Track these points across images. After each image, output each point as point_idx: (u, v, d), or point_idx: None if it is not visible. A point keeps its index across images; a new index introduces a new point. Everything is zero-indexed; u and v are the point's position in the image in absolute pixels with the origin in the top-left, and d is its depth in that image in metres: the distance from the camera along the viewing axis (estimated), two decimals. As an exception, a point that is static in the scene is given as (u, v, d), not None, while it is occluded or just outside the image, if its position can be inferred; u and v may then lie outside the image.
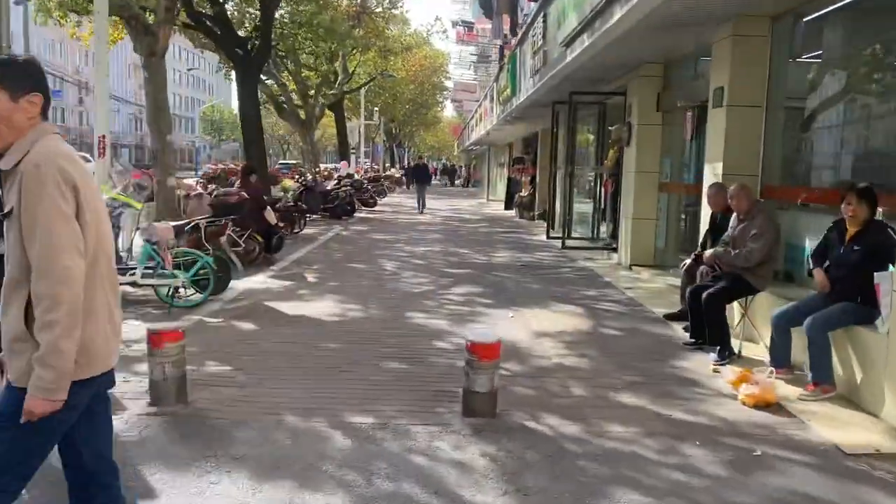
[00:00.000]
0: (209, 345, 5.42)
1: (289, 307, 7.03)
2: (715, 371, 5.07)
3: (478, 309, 7.14)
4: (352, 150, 32.87)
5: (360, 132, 33.84)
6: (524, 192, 20.17)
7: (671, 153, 9.57)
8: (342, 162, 24.46)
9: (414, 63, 45.52)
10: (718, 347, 5.34)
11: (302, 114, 21.88)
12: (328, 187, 20.22)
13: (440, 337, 5.95)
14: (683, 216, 9.44)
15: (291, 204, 14.31)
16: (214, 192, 10.69)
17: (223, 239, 8.03)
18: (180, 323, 5.34)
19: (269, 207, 10.02)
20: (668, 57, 9.28)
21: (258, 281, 8.61)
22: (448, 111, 73.46)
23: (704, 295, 5.41)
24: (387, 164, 50.02)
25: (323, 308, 6.99)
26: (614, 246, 11.21)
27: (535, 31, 12.51)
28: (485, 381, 3.94)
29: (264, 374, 4.74)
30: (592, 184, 13.40)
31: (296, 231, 14.26)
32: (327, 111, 31.10)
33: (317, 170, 20.97)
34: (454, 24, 47.84)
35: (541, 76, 12.18)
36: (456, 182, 53.92)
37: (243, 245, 9.73)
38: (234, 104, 71.72)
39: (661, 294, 8.08)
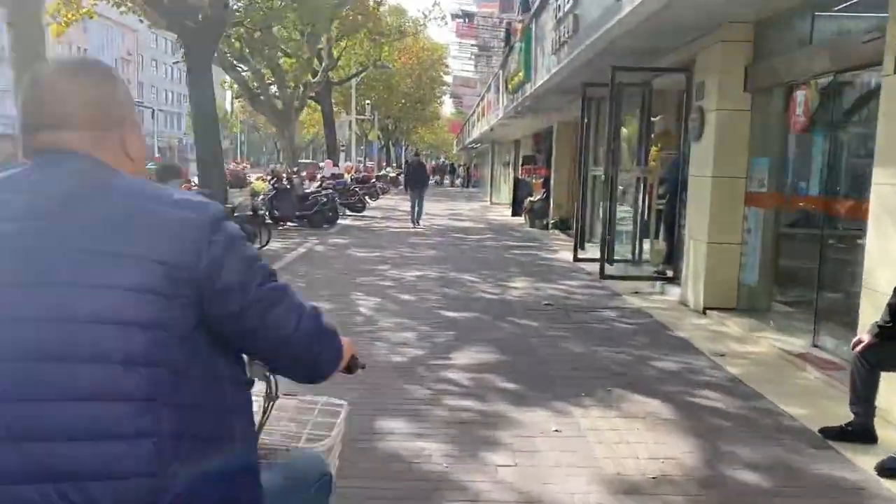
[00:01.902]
0: None
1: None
2: None
3: (495, 408, 4.28)
4: (341, 147, 29.99)
5: (350, 127, 30.96)
6: (535, 197, 17.31)
7: (766, 151, 6.72)
8: (326, 160, 21.58)
9: (411, 55, 42.71)
10: None
11: (279, 104, 19.00)
12: (308, 189, 17.37)
13: None
14: (791, 242, 6.61)
15: (251, 213, 11.43)
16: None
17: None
18: None
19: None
20: (762, 13, 6.45)
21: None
22: (447, 107, 70.71)
23: None
24: (382, 163, 47.14)
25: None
26: (669, 274, 8.37)
27: (560, -8, 9.66)
28: None
29: None
30: (632, 190, 10.50)
31: (256, 246, 11.38)
32: (313, 104, 28.26)
33: (294, 169, 18.11)
34: (454, 16, 45.14)
35: (569, 49, 9.33)
36: (456, 181, 50.93)
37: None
38: (225, 99, 69.02)
39: (779, 370, 5.22)
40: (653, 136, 9.82)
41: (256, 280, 1.29)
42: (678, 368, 5.22)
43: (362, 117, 35.36)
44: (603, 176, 9.08)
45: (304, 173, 17.98)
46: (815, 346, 5.53)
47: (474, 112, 31.23)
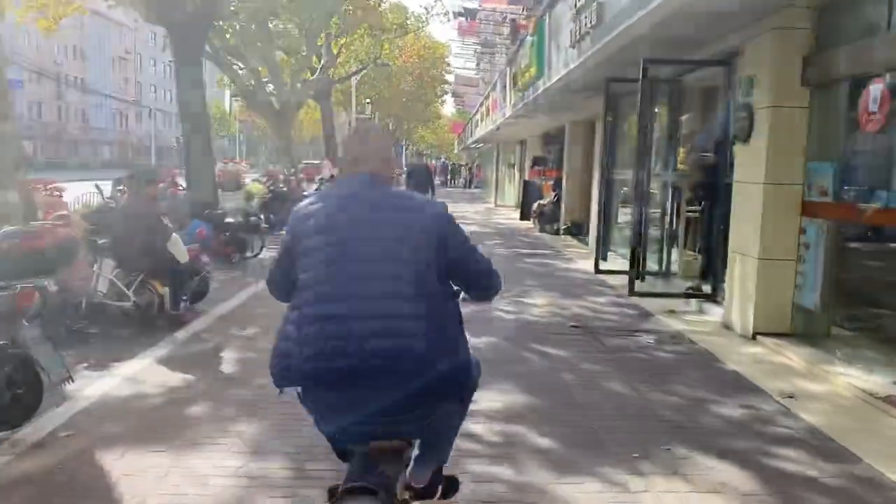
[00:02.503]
0: None
1: (154, 466, 3.34)
2: None
3: (531, 479, 3.43)
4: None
5: (350, 127, 30.16)
6: (545, 200, 16.45)
7: (828, 154, 5.87)
8: (326, 160, 20.69)
9: (412, 53, 41.89)
10: None
11: (275, 103, 18.12)
12: (306, 192, 16.51)
13: None
14: (857, 258, 5.77)
15: (242, 220, 10.57)
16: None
17: (25, 321, 4.20)
18: None
19: (174, 237, 6.28)
20: (824, -4, 5.61)
21: (132, 372, 4.92)
22: (448, 107, 69.88)
23: None
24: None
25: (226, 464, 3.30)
26: (706, 291, 7.52)
27: (581, -21, 8.80)
28: None
29: None
30: (658, 195, 9.68)
31: (248, 255, 10.57)
32: (313, 103, 27.43)
33: (292, 170, 17.25)
34: (456, 14, 44.28)
35: (591, 41, 8.47)
36: (458, 181, 49.99)
37: (133, 299, 6.06)
38: (223, 98, 68.04)
39: (865, 417, 4.37)
40: (681, 136, 9.01)
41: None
42: (744, 416, 4.36)
43: (362, 116, 34.49)
44: (632, 179, 8.21)
45: (301, 175, 17.09)
46: (900, 384, 4.69)
47: (477, 111, 30.34)
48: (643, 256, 7.63)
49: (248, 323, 6.56)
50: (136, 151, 72.07)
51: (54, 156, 59.54)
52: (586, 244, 13.14)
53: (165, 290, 6.18)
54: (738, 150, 6.60)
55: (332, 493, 2.13)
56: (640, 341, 6.17)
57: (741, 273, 6.39)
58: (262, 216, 14.59)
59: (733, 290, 6.54)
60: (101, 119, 72.60)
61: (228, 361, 5.39)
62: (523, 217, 17.74)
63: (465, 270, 2.29)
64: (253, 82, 17.86)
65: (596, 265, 8.98)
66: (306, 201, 2.30)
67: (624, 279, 8.02)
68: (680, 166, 8.84)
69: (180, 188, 11.89)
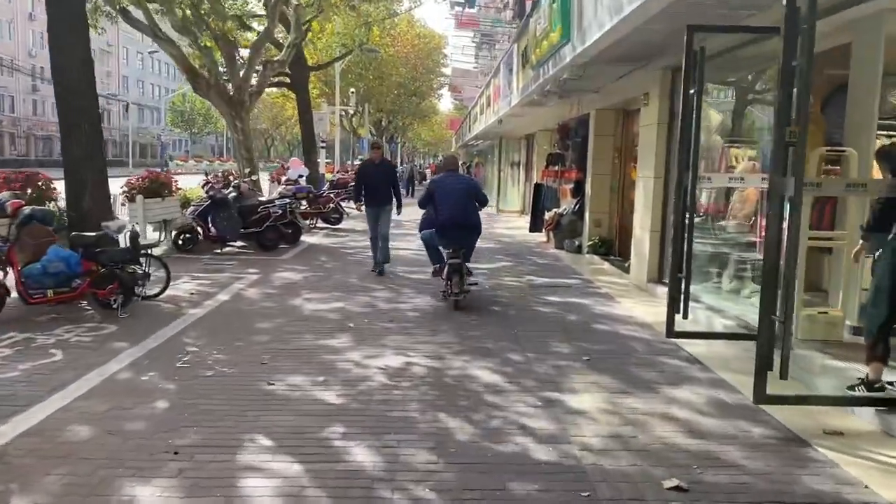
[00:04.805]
0: None
1: None
2: None
3: None
4: (321, 144, 25.73)
5: (332, 120, 26.71)
6: (563, 209, 13.08)
7: None
8: (293, 159, 17.31)
9: (405, 42, 38.50)
10: None
11: (230, 88, 14.72)
12: (262, 199, 13.11)
13: None
14: None
15: (125, 245, 7.18)
16: None
17: None
18: None
19: None
20: None
21: None
22: (445, 103, 66.50)
23: None
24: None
25: None
26: (891, 383, 4.19)
27: None
28: None
29: None
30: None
31: (151, 294, 7.28)
32: (288, 92, 24.07)
33: (247, 170, 13.89)
34: (453, 4, 40.97)
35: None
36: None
37: None
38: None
39: None
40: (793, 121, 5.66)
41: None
42: None
43: (346, 108, 31.07)
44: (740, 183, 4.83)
45: (254, 177, 13.62)
46: None
47: (476, 103, 26.96)
48: (790, 331, 4.16)
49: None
50: (119, 148, 68.36)
51: (24, 153, 56.05)
52: (624, 269, 9.79)
53: None
54: None
55: (436, 271, 8.25)
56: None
57: None
58: (199, 228, 11.31)
59: None
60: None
61: None
62: (534, 229, 14.35)
63: (480, 201, 7.87)
64: (198, 61, 14.47)
65: (670, 323, 5.61)
66: (437, 176, 8.42)
67: (720, 348, 4.62)
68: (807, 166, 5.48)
69: (58, 206, 8.52)
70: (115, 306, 6.79)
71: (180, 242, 11.23)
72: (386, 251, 9.65)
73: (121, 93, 71.25)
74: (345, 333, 6.27)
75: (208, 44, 14.42)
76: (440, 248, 7.96)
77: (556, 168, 13.80)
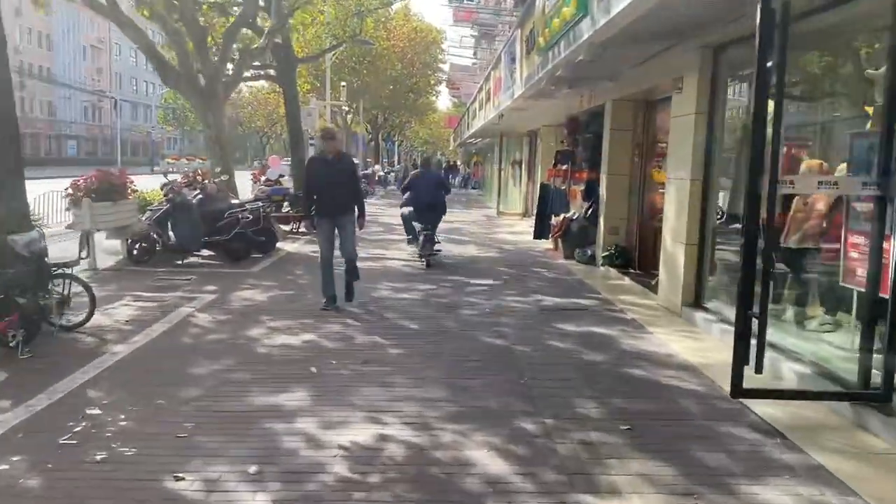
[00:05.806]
0: None
1: None
2: None
3: None
4: (310, 142, 24.23)
5: (321, 115, 25.18)
6: (573, 213, 11.59)
7: None
8: (272, 157, 15.81)
9: (400, 35, 36.98)
10: None
11: (202, 79, 13.22)
12: (234, 201, 11.59)
13: None
14: None
15: (30, 264, 5.69)
16: None
17: None
18: None
19: None
20: None
21: None
22: (443, 100, 65.03)
23: None
24: (368, 160, 41.34)
25: None
26: None
27: None
28: None
29: None
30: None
31: (75, 322, 5.82)
32: (273, 85, 22.53)
33: (217, 170, 12.41)
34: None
35: None
36: (455, 179, 44.86)
37: None
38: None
39: None
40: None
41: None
42: None
43: (337, 103, 29.55)
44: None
45: (224, 177, 12.12)
46: None
47: (475, 99, 25.46)
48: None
49: None
50: (110, 145, 66.73)
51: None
52: (649, 287, 8.30)
53: None
54: None
55: (409, 241, 11.31)
56: None
57: None
58: (157, 237, 9.76)
59: None
60: (70, 113, 67.31)
61: None
62: (539, 235, 12.85)
63: (445, 188, 11.25)
64: (164, 48, 12.97)
65: (737, 379, 4.12)
66: (415, 172, 12.01)
67: (798, 408, 3.14)
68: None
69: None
70: (12, 344, 5.31)
71: (134, 253, 9.76)
72: (353, 276, 7.37)
73: (113, 90, 69.68)
74: (303, 384, 4.77)
75: (176, 26, 12.88)
76: (414, 223, 10.81)
77: (565, 167, 12.30)
